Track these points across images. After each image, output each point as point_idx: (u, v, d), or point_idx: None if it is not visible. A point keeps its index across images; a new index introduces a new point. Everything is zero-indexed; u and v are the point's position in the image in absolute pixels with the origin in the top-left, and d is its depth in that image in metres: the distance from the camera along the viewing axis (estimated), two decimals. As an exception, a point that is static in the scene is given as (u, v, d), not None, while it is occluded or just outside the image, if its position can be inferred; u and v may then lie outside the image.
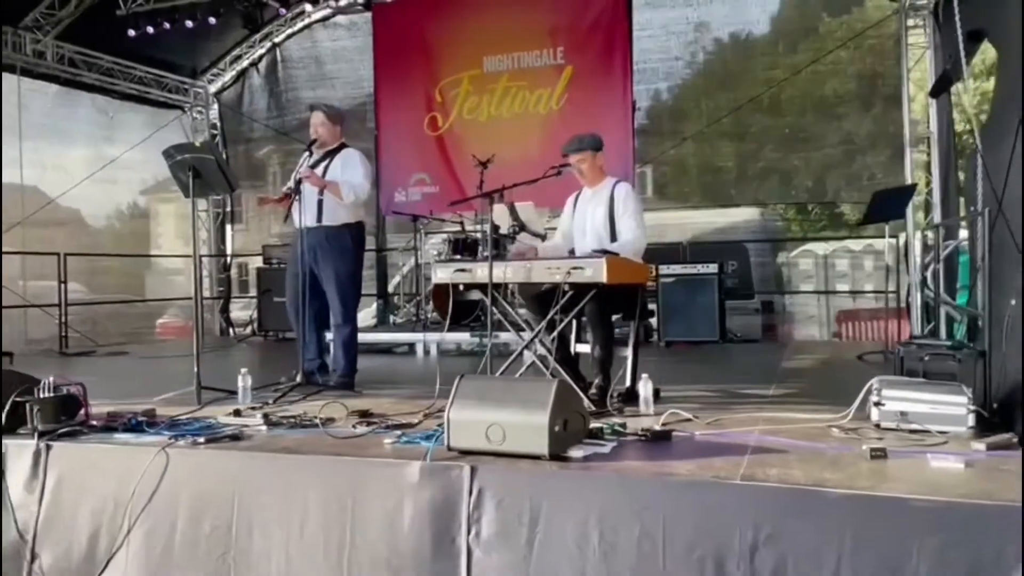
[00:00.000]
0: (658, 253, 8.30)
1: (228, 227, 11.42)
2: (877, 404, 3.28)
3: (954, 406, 3.16)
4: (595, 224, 4.37)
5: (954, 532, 2.29)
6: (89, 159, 9.60)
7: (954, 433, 3.11)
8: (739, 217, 9.46)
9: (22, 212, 8.49)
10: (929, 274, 6.49)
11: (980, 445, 2.90)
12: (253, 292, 9.99)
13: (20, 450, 3.39)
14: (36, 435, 3.40)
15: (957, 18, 4.62)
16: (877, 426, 3.26)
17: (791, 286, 9.71)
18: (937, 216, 7.40)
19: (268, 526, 3.01)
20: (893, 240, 6.84)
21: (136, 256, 10.60)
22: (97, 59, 9.35)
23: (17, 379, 3.66)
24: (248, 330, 10.03)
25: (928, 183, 7.63)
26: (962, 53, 4.69)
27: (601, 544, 2.62)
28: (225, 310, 11.12)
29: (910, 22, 7.70)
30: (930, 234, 7.22)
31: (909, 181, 7.48)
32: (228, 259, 11.41)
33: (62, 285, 8.41)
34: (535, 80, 8.85)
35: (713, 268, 7.33)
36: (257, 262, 9.64)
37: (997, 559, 2.24)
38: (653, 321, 7.53)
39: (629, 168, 8.23)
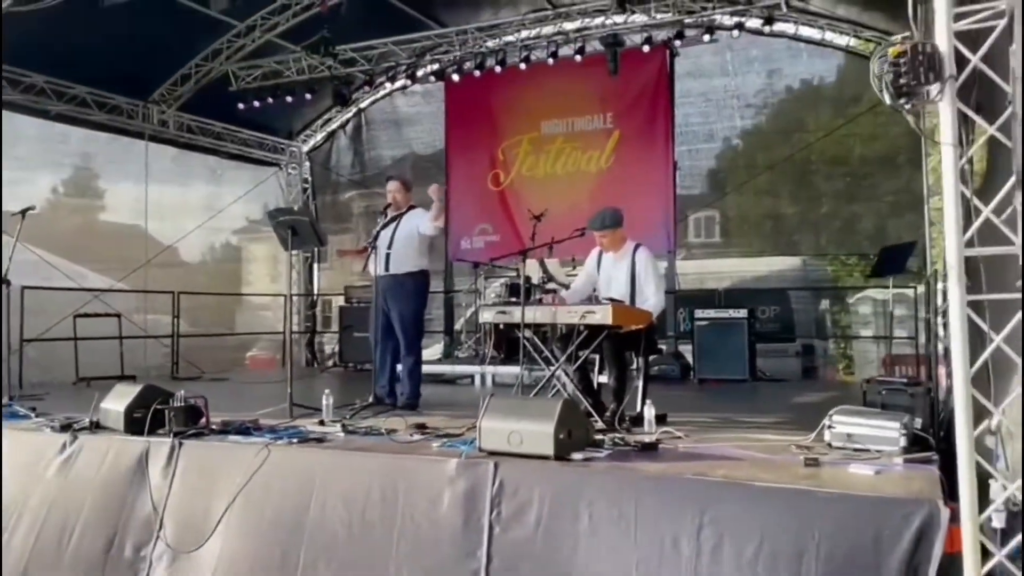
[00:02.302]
0: (694, 299, 9.07)
1: (315, 267, 12.70)
2: (829, 427, 4.01)
3: (889, 430, 3.86)
4: (618, 283, 5.25)
5: (844, 517, 3.04)
6: (198, 209, 10.97)
7: (888, 452, 3.81)
8: (778, 266, 10.07)
9: (145, 255, 9.93)
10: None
11: (899, 459, 3.61)
12: (335, 327, 11.12)
13: (159, 446, 4.43)
14: (172, 434, 4.45)
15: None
16: (829, 445, 3.98)
17: (851, 331, 10.16)
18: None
19: (338, 506, 3.91)
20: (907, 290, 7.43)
21: (234, 295, 11.84)
22: (210, 125, 10.83)
23: (158, 392, 4.77)
24: (331, 362, 11.13)
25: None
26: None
27: (590, 523, 3.44)
28: (311, 343, 12.33)
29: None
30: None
31: (925, 235, 8.07)
32: (314, 297, 12.68)
33: (175, 320, 9.71)
34: (587, 142, 9.87)
35: (743, 313, 8.06)
36: (340, 301, 10.76)
37: (876, 539, 2.97)
38: (689, 360, 8.29)
39: (670, 222, 9.09)
